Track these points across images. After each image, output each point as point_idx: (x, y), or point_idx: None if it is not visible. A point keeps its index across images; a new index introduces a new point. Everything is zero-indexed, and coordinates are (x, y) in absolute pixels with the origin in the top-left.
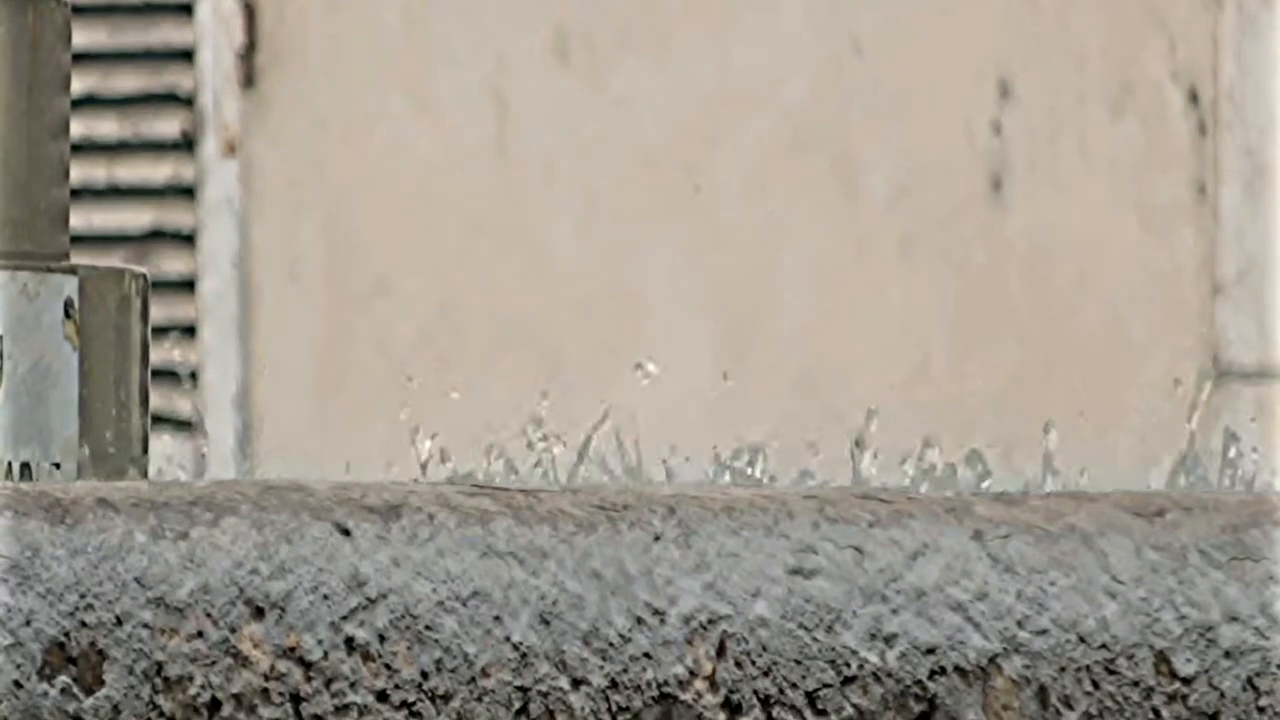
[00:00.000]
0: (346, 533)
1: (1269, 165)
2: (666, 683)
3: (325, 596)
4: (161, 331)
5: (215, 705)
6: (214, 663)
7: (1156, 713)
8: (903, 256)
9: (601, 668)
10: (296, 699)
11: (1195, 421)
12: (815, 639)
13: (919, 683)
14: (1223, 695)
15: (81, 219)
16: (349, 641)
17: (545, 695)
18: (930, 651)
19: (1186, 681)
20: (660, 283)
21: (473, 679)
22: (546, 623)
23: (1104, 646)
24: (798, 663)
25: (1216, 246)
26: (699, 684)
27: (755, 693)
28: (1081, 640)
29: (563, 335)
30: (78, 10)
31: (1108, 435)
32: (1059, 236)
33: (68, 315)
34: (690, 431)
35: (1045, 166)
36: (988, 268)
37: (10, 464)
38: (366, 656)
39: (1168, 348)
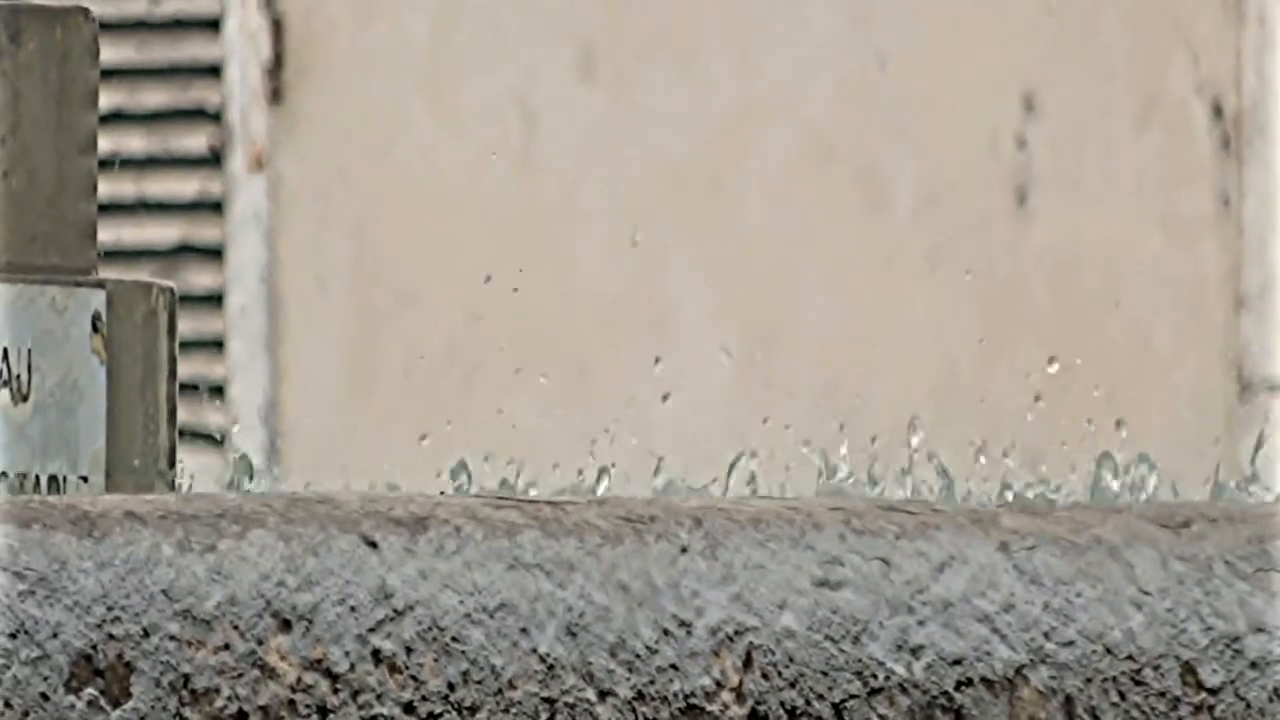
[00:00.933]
0: (373, 545)
1: None
2: (693, 694)
3: (352, 608)
4: (189, 345)
5: (242, 717)
6: (241, 675)
7: None
8: (928, 268)
9: (628, 679)
10: (324, 711)
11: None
12: (842, 650)
13: (945, 694)
14: (1249, 706)
15: (110, 234)
16: (376, 653)
17: (572, 707)
18: (957, 663)
19: (1213, 692)
20: (686, 293)
21: (499, 690)
22: (573, 634)
23: (1130, 658)
24: (824, 674)
25: (1240, 259)
26: (725, 695)
27: (782, 704)
28: (1108, 651)
29: (589, 346)
30: (105, 26)
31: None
32: (1083, 249)
33: (95, 329)
34: (714, 440)
35: (1069, 180)
36: (1013, 279)
37: (38, 477)
38: (393, 668)
39: (1192, 360)
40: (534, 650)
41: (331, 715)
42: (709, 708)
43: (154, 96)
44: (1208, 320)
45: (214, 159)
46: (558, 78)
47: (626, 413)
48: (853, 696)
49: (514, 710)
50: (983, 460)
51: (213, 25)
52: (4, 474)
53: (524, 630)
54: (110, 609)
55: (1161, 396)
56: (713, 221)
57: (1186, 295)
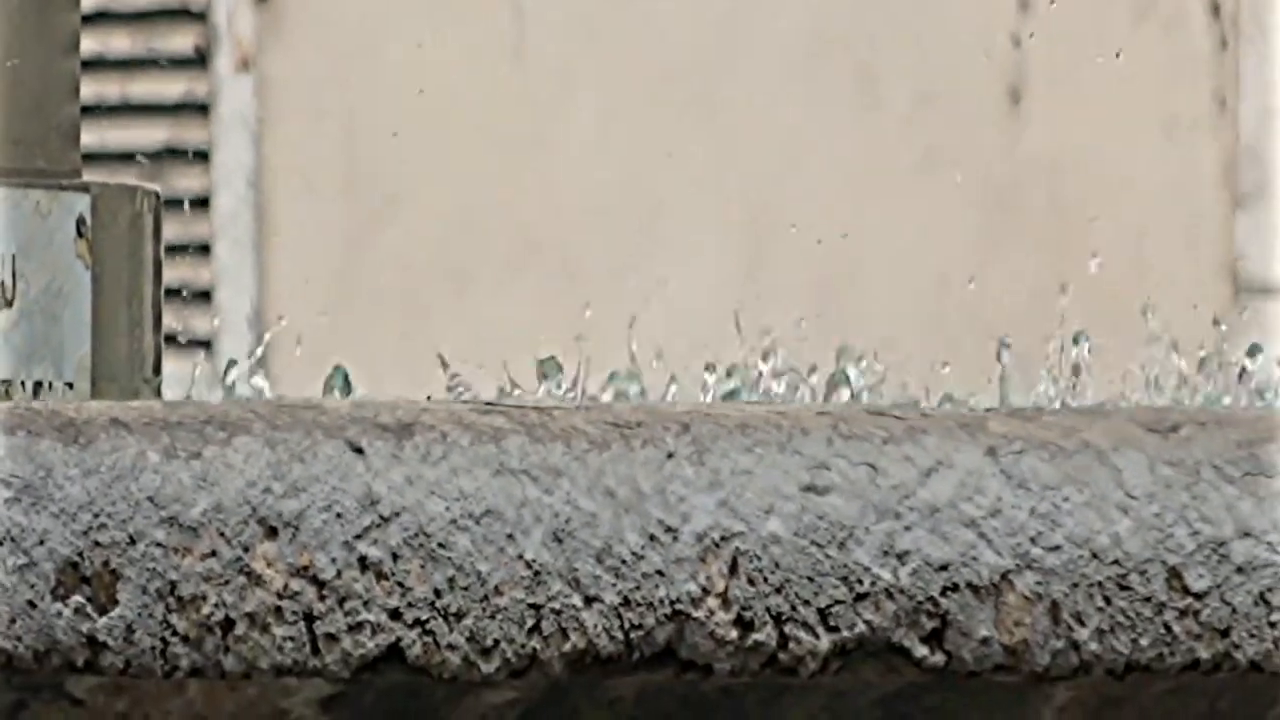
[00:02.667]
0: (359, 451)
1: None
2: (679, 600)
3: (338, 515)
4: (175, 250)
5: (229, 624)
6: (227, 582)
7: (1168, 628)
8: (923, 166)
9: (614, 585)
10: (310, 618)
11: (1213, 334)
12: (828, 556)
13: (931, 599)
14: (1235, 611)
15: (94, 136)
16: (362, 560)
17: (558, 613)
18: (943, 568)
19: (1199, 597)
20: (680, 192)
21: (485, 597)
22: (559, 540)
23: (1117, 563)
24: (810, 580)
25: (1236, 159)
26: (711, 601)
27: (768, 609)
28: (1094, 556)
29: (582, 246)
30: None
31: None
32: (1078, 149)
33: (80, 234)
34: (709, 341)
35: (1064, 79)
36: (1008, 179)
37: (23, 383)
38: (380, 575)
39: (1188, 260)
40: (520, 556)
41: (318, 622)
42: (694, 614)
43: None
44: (1204, 219)
45: (200, 59)
46: None
47: (620, 311)
48: (838, 602)
49: (499, 616)
50: (975, 360)
51: None
52: None
53: (510, 536)
54: (96, 516)
55: (1156, 296)
56: (705, 120)
57: (1183, 194)
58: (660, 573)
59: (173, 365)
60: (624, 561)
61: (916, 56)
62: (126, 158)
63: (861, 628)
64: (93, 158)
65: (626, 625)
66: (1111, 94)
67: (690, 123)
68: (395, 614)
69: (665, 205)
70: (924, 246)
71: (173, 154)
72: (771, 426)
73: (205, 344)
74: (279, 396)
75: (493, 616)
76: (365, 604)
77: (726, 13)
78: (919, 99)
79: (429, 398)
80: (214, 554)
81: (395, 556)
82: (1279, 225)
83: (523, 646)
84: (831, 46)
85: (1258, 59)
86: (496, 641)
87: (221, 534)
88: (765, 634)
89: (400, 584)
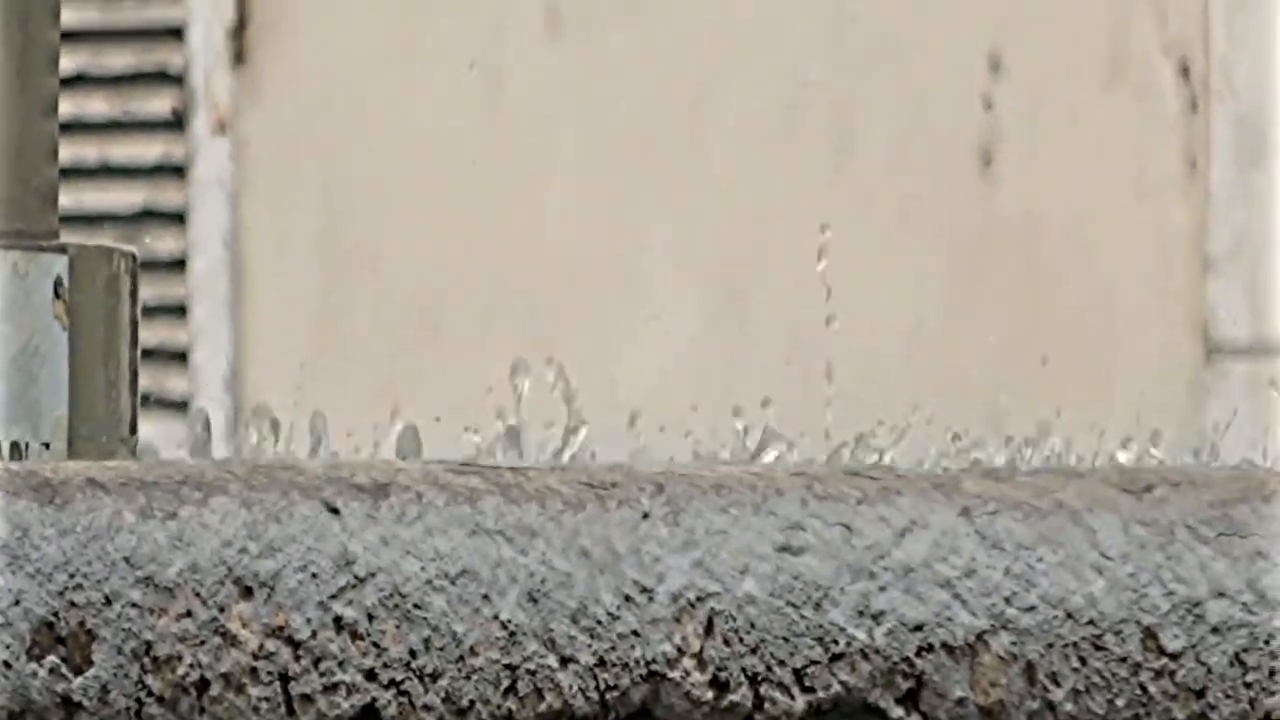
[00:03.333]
0: (335, 511)
1: (1260, 140)
2: (654, 660)
3: (314, 575)
4: (152, 311)
5: (204, 685)
6: (203, 642)
7: (1144, 689)
8: (895, 229)
9: (590, 646)
10: (285, 678)
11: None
12: (803, 616)
13: (906, 659)
14: (1210, 671)
15: (72, 198)
16: (337, 620)
17: (533, 674)
18: (918, 628)
19: (1174, 657)
20: (656, 247)
21: (461, 657)
22: (535, 601)
23: (1091, 623)
24: (785, 640)
25: (1207, 221)
26: (687, 661)
27: (743, 670)
28: (1069, 617)
29: (559, 303)
30: None
31: (1098, 409)
32: (1049, 210)
33: (57, 294)
34: (685, 394)
35: (1036, 140)
36: (979, 241)
37: (0, 444)
38: (355, 635)
39: (1158, 322)
40: (495, 617)
41: (293, 682)
42: (670, 674)
43: (116, 59)
44: (1175, 281)
45: (177, 122)
46: (525, 32)
47: (597, 366)
48: (814, 662)
49: (475, 677)
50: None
51: None
52: None
53: (485, 597)
54: (72, 576)
55: (1127, 357)
56: (681, 178)
57: (1153, 255)
58: (635, 633)
59: (149, 426)
60: (599, 622)
61: (889, 116)
62: (104, 219)
63: (837, 688)
64: (70, 219)
65: (602, 686)
66: (1082, 155)
67: (667, 178)
68: (370, 674)
69: (641, 260)
70: (896, 303)
71: (150, 216)
72: (746, 487)
73: (182, 405)
74: (255, 456)
75: (468, 677)
76: (340, 664)
77: (703, 69)
78: (892, 159)
79: (404, 457)
80: (189, 614)
81: (371, 617)
82: (1250, 287)
83: (498, 707)
84: (805, 105)
85: (1228, 121)
86: (472, 702)
87: (197, 594)
88: (741, 694)
89: (376, 644)
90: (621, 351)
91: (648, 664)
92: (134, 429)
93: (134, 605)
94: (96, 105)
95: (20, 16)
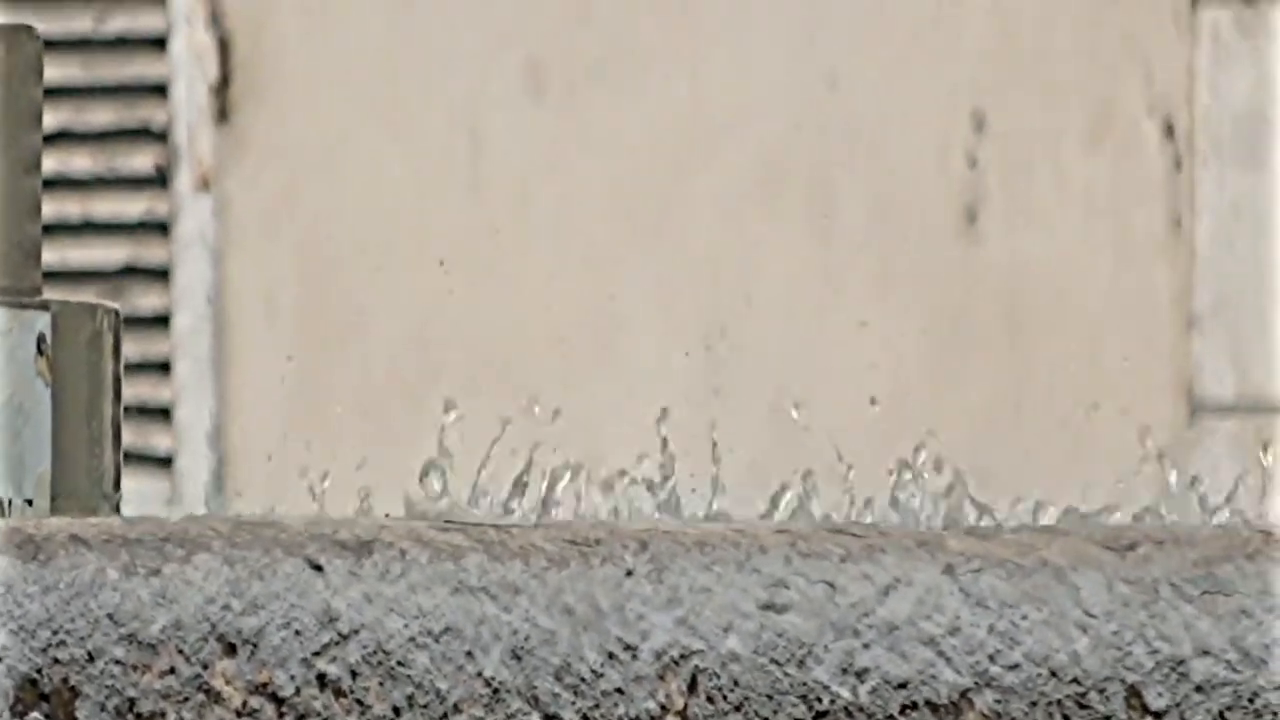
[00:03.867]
0: (319, 568)
1: (1244, 199)
2: (638, 718)
3: (297, 632)
4: (135, 367)
5: None
6: (186, 699)
7: None
8: (878, 287)
9: (574, 703)
10: None
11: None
12: (787, 674)
13: (891, 717)
14: None
15: (55, 254)
16: (321, 677)
17: None
18: (902, 686)
19: (1158, 716)
20: (636, 314)
21: (445, 715)
22: (518, 658)
23: (1075, 681)
24: (769, 698)
25: (1191, 280)
26: (671, 719)
27: None
28: (1053, 675)
29: (539, 366)
30: (50, 44)
31: (1081, 467)
32: (1034, 269)
33: (40, 351)
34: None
35: (1020, 199)
36: (963, 300)
37: None
38: (339, 692)
39: (1143, 380)
40: (479, 674)
41: None
42: None
43: (100, 115)
44: (1159, 340)
45: (160, 179)
46: (506, 96)
47: (576, 430)
48: None
49: None
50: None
51: (159, 44)
52: None
53: (469, 654)
54: (55, 633)
55: (1111, 416)
56: (662, 241)
57: (1137, 315)
58: (619, 690)
59: (132, 482)
60: (583, 679)
61: (872, 176)
62: (87, 276)
63: None
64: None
65: None
66: (1067, 213)
67: (646, 244)
68: None
69: (621, 328)
70: (879, 365)
71: (133, 272)
72: (730, 544)
73: (165, 461)
74: (238, 513)
75: None
76: None
77: (681, 135)
78: (874, 218)
79: (387, 515)
80: (173, 671)
81: (354, 674)
82: (1234, 345)
83: None
84: (786, 166)
85: (1212, 180)
86: None
87: (180, 651)
88: None
89: (359, 701)
90: (602, 413)
91: None
92: (117, 485)
93: (117, 662)
94: (80, 161)
95: (3, 73)
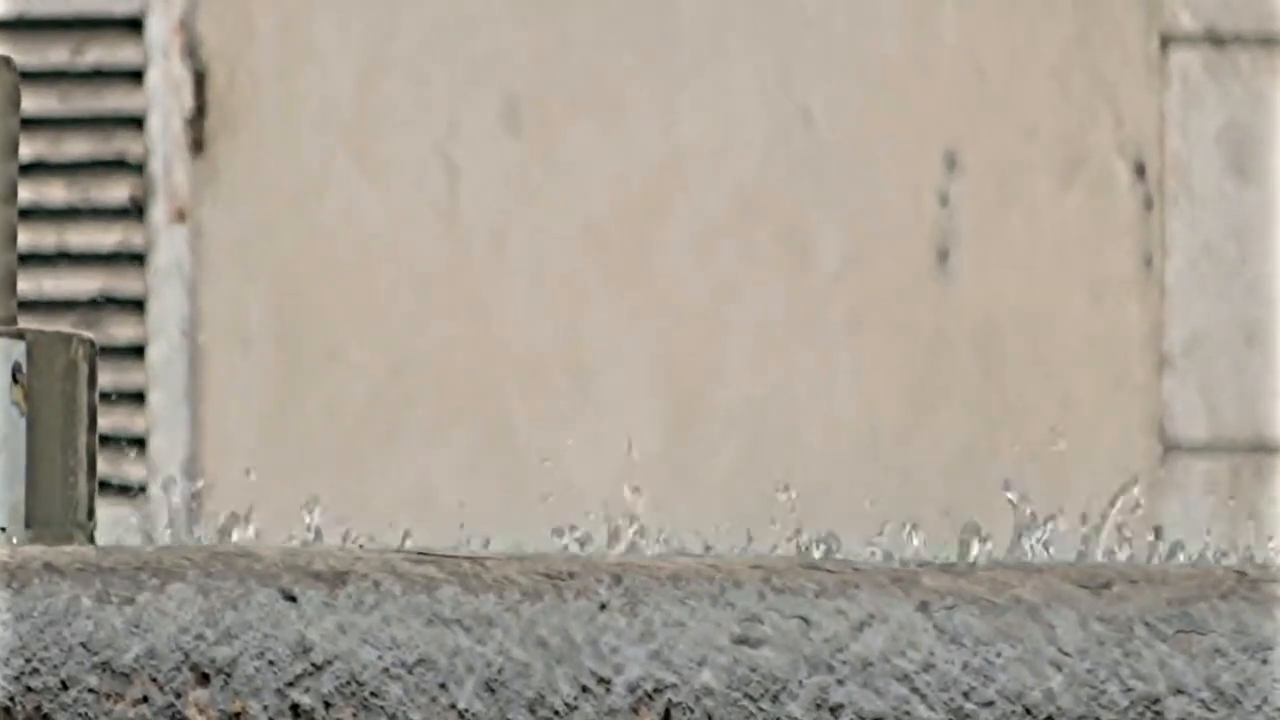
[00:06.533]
0: (292, 599)
1: (1215, 238)
2: None
3: (271, 662)
4: (110, 397)
5: None
6: None
7: None
8: (851, 324)
9: None
10: None
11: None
12: (761, 709)
13: None
14: None
15: (30, 284)
16: (294, 708)
17: None
18: None
19: None
20: (609, 351)
21: None
22: (492, 690)
23: (1050, 718)
24: None
25: (1163, 320)
26: None
27: None
28: (1028, 712)
29: (512, 403)
30: (27, 75)
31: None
32: (1006, 308)
33: (15, 380)
34: (638, 496)
35: (992, 238)
36: (935, 337)
37: None
38: None
39: (1115, 420)
40: (453, 706)
41: None
42: None
43: (75, 146)
44: (1131, 379)
45: (135, 210)
46: (482, 131)
47: (548, 468)
48: None
49: None
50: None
51: (135, 76)
52: None
53: (443, 686)
54: (29, 661)
55: (1083, 456)
56: (636, 278)
57: (1109, 354)
58: None
59: (107, 512)
60: (557, 712)
61: (844, 214)
62: (62, 306)
63: None
64: (29, 305)
65: None
66: (1039, 252)
67: (620, 281)
68: None
69: (595, 364)
70: (853, 405)
71: (108, 303)
72: (704, 578)
73: (140, 491)
74: (212, 543)
75: None
76: None
77: (656, 171)
78: (847, 255)
79: (361, 546)
80: (146, 700)
81: (328, 704)
82: (1206, 385)
83: None
84: (760, 204)
85: (1183, 219)
86: None
87: (154, 680)
88: None
89: None
90: (574, 452)
91: None
92: (91, 514)
93: (90, 690)
94: (55, 192)
95: None
